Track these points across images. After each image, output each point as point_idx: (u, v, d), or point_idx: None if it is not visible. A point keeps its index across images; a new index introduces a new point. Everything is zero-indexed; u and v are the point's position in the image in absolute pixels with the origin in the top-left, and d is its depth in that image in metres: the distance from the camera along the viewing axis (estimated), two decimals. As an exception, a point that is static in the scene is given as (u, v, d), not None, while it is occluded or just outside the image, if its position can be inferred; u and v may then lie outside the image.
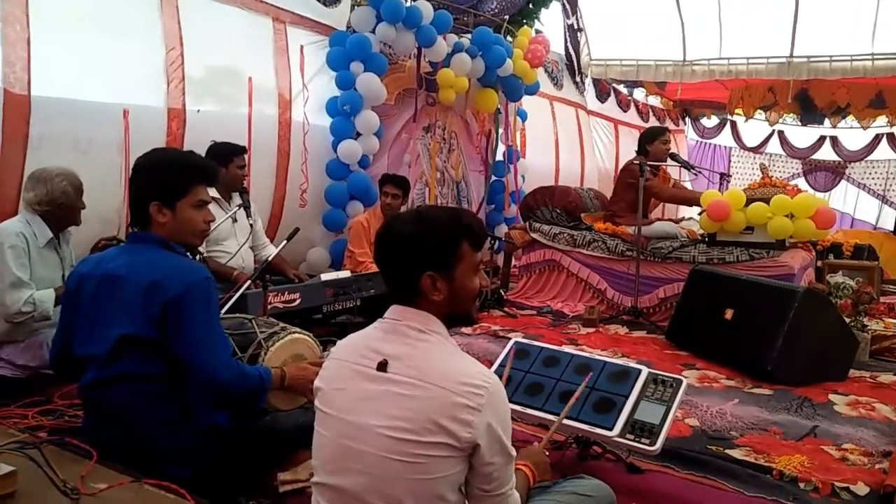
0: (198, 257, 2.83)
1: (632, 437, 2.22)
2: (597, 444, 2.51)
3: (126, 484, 1.60)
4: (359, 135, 4.96)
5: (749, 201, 4.67)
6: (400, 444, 1.33)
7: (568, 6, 8.21)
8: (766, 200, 4.62)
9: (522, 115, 7.02)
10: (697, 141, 12.19)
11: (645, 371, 2.41)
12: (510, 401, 2.13)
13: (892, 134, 10.47)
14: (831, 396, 3.35)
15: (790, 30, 7.89)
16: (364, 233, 4.58)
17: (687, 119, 11.92)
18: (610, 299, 5.17)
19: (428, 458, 1.33)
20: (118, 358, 1.82)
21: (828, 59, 7.92)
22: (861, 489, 2.35)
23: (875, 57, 7.70)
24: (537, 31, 7.01)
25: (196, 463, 1.83)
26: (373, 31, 4.93)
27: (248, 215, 3.85)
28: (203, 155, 3.71)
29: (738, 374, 3.65)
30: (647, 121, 10.20)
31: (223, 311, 2.58)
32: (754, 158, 11.67)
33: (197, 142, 3.98)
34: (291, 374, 2.04)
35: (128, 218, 2.00)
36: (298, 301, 3.46)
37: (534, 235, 5.59)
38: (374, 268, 4.35)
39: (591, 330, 4.57)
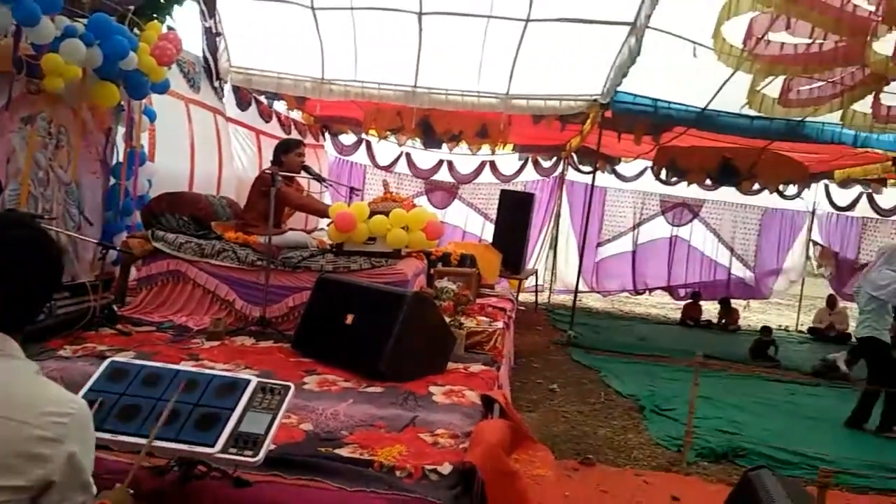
0: None
1: (235, 450, 2.14)
2: (202, 464, 2.38)
3: None
4: (-80, 118, 3.98)
5: (372, 214, 5.04)
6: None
7: (206, 9, 7.88)
8: (387, 214, 5.05)
9: (151, 115, 6.44)
10: (337, 157, 12.84)
11: (254, 381, 2.35)
12: (99, 429, 1.89)
13: (493, 161, 12.68)
14: (431, 388, 3.71)
15: (415, 63, 8.81)
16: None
17: (327, 135, 12.46)
18: (238, 310, 5.03)
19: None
20: None
21: (444, 91, 9.07)
22: (446, 468, 2.59)
23: (480, 94, 9.06)
24: (170, 28, 6.55)
25: None
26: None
27: None
28: None
29: (356, 376, 3.82)
30: (289, 133, 10.32)
31: None
32: (386, 176, 12.80)
33: None
34: None
35: None
36: None
37: (156, 245, 5.16)
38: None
39: (216, 343, 4.36)
